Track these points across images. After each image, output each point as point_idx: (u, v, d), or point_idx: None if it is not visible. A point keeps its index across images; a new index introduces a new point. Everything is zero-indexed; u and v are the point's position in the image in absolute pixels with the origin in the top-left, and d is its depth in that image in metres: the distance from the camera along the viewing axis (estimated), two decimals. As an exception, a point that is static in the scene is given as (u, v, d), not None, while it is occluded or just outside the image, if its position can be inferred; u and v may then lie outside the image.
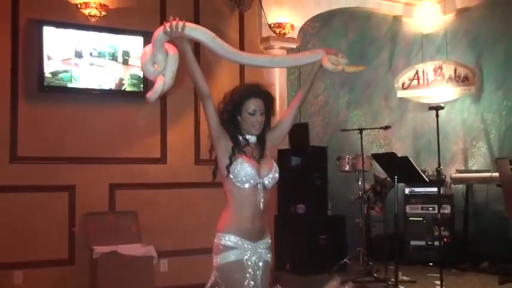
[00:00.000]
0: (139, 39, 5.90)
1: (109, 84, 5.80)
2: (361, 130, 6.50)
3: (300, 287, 5.56)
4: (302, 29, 7.21)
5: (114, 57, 5.82)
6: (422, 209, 6.98)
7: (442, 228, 6.47)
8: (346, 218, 6.71)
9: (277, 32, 6.85)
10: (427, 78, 7.61)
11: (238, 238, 2.65)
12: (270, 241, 2.79)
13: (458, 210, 7.02)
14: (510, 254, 5.91)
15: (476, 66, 7.43)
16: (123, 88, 5.87)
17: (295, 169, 6.54)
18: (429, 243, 6.81)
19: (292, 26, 6.92)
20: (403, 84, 7.70)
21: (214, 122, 2.67)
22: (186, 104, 6.34)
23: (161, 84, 2.73)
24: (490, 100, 7.35)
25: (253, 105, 2.70)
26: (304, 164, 6.51)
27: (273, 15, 6.89)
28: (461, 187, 7.08)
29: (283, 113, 2.98)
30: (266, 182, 2.70)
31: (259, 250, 2.70)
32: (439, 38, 7.76)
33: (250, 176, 2.65)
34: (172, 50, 2.74)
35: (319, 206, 6.45)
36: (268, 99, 2.76)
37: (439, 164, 5.74)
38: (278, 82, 6.87)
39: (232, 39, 6.75)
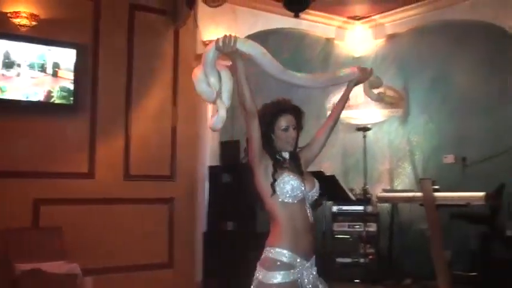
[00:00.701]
0: (70, 51, 5.82)
1: (37, 96, 5.68)
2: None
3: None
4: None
5: (43, 69, 5.71)
6: (349, 226, 7.13)
7: (367, 246, 6.64)
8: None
9: (212, 49, 6.88)
10: (357, 100, 7.81)
11: (294, 255, 2.59)
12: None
13: (384, 228, 7.20)
14: (431, 271, 6.10)
15: (404, 90, 7.69)
16: (51, 100, 5.75)
17: (225, 186, 6.57)
18: (355, 260, 6.95)
19: (226, 44, 6.97)
20: (334, 104, 7.87)
21: (258, 141, 2.61)
22: (116, 118, 6.28)
23: (223, 110, 2.71)
24: (416, 123, 7.62)
25: (285, 121, 2.71)
26: (235, 181, 6.54)
27: (209, 32, 6.92)
28: (387, 206, 7.27)
29: (317, 132, 2.94)
30: (310, 197, 2.72)
31: (311, 268, 2.66)
32: (370, 62, 7.98)
33: (298, 190, 2.63)
34: (224, 68, 2.72)
35: (248, 222, 6.48)
36: (297, 114, 2.76)
37: (365, 183, 5.89)
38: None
39: (167, 55, 6.76)
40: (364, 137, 6.72)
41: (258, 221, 6.64)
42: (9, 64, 5.54)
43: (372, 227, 7.01)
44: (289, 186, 2.61)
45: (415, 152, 7.57)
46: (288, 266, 2.57)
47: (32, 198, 5.66)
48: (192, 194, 6.78)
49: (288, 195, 2.62)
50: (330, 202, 6.88)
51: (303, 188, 2.65)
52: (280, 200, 2.63)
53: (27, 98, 5.62)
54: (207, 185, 6.79)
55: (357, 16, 8.04)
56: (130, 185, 6.27)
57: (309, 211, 2.69)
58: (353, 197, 6.06)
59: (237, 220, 6.40)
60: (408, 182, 7.52)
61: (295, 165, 2.76)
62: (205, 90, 2.74)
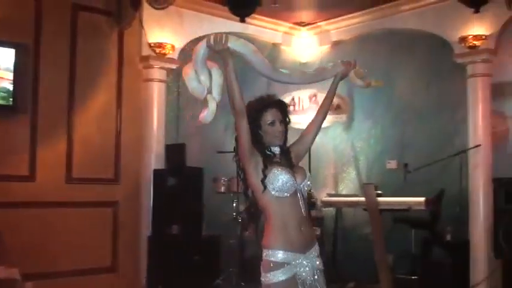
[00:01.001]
0: (11, 51, 5.67)
1: (-25, 96, 5.51)
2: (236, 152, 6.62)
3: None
4: (183, 50, 7.22)
5: (-19, 69, 5.54)
6: (294, 231, 7.15)
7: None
8: (220, 239, 6.75)
9: (157, 51, 6.82)
10: (303, 105, 7.90)
11: (288, 252, 2.60)
12: (318, 247, 2.73)
13: (329, 233, 7.29)
14: (374, 275, 6.20)
15: (348, 96, 7.80)
16: (-10, 101, 5.59)
17: (171, 189, 6.52)
18: (300, 264, 6.96)
19: (172, 47, 6.93)
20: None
21: (247, 139, 2.64)
22: (58, 119, 6.14)
23: (214, 104, 2.76)
24: (360, 129, 7.75)
25: (270, 116, 2.73)
26: (180, 185, 6.49)
27: (154, 35, 6.86)
28: (331, 210, 7.36)
29: (307, 127, 2.98)
30: (302, 189, 2.71)
31: (311, 260, 2.66)
32: (315, 67, 8.06)
33: (289, 183, 2.64)
34: (214, 65, 2.76)
35: (193, 226, 6.45)
36: (282, 108, 2.79)
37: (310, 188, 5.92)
38: (156, 101, 6.85)
39: (112, 56, 6.67)
40: (309, 142, 6.74)
41: (203, 224, 6.62)
42: None
43: (317, 231, 7.05)
44: (279, 181, 2.62)
45: (359, 157, 7.70)
46: (282, 264, 2.59)
47: (-32, 202, 5.49)
48: (137, 197, 6.70)
49: (279, 190, 2.63)
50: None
51: (293, 181, 2.66)
52: (272, 195, 2.64)
53: (-36, 98, 5.45)
54: (151, 188, 6.71)
55: (302, 22, 8.14)
56: (73, 188, 6.16)
57: (301, 203, 2.69)
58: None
59: (182, 224, 6.35)
60: (353, 187, 7.64)
61: (286, 159, 2.78)
62: (196, 87, 2.78)
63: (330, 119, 7.81)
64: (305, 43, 8.28)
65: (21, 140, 5.90)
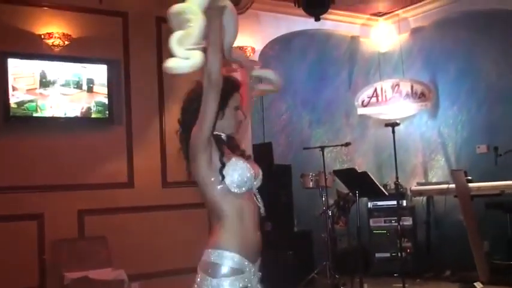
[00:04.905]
0: (103, 67, 6.02)
1: (75, 112, 5.88)
2: (322, 148, 6.72)
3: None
4: (263, 52, 7.40)
5: (78, 86, 5.91)
6: (385, 221, 7.17)
7: (405, 240, 6.68)
8: (312, 233, 6.87)
9: (239, 55, 7.01)
10: (386, 95, 7.89)
11: (242, 258, 2.22)
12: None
13: (420, 222, 7.23)
14: (470, 262, 6.12)
15: (431, 83, 7.72)
16: (89, 115, 5.96)
17: (261, 187, 6.70)
18: (393, 254, 6.98)
19: (253, 49, 7.11)
20: (363, 101, 7.96)
21: (212, 120, 2.22)
22: (151, 127, 6.44)
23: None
24: (446, 115, 7.64)
25: (237, 100, 2.39)
26: (270, 182, 6.63)
27: (234, 39, 7.04)
28: (422, 199, 7.30)
29: None
30: (256, 185, 2.36)
31: (257, 273, 2.31)
32: (395, 57, 8.05)
33: (248, 177, 2.27)
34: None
35: (285, 222, 6.61)
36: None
37: (397, 178, 5.95)
38: (241, 104, 7.05)
39: (195, 64, 6.91)
40: (393, 132, 6.77)
41: (294, 220, 6.75)
42: (46, 83, 5.75)
43: (408, 221, 7.05)
44: (239, 172, 2.25)
45: (447, 143, 7.59)
46: (237, 271, 2.21)
47: (76, 209, 5.87)
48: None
49: (237, 183, 2.24)
50: (365, 198, 6.96)
51: (251, 175, 2.28)
52: (227, 189, 2.24)
53: (65, 114, 5.82)
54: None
55: (380, 12, 8.12)
56: (169, 192, 6.42)
57: (259, 202, 2.34)
58: (386, 193, 6.13)
59: (274, 220, 6.48)
60: (442, 174, 7.54)
61: (234, 149, 2.41)
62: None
63: (414, 107, 7.78)
64: (384, 33, 8.24)
65: (119, 149, 6.22)
